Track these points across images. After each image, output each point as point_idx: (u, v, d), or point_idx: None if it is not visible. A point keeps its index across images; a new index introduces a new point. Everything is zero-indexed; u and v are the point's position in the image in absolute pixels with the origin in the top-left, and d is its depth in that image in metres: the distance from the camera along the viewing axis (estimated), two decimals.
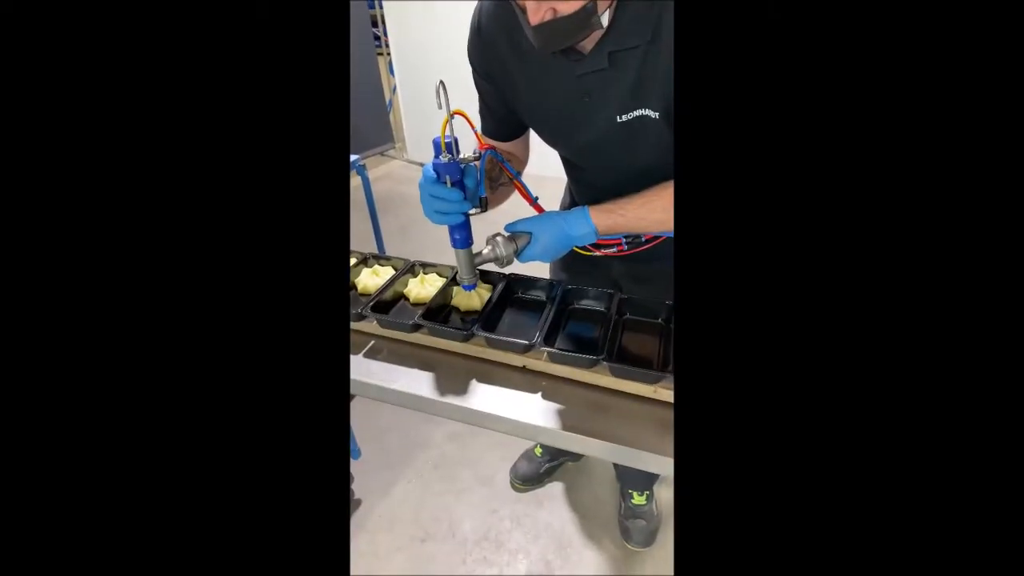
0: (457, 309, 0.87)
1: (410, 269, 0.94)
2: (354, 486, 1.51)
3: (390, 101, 3.65)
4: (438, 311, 0.85)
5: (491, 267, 0.81)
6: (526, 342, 0.74)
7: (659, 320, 0.82)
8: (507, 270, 0.84)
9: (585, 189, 0.94)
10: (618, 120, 0.74)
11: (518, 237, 0.77)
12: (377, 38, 3.63)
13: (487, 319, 0.81)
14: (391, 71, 3.62)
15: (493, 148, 0.76)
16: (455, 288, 0.87)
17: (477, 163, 0.73)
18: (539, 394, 0.72)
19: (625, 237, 0.85)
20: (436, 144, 0.69)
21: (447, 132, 0.68)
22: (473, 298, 0.85)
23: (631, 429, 0.66)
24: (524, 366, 0.76)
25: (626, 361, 0.73)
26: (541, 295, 0.89)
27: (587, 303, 0.87)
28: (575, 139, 0.82)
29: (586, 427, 0.67)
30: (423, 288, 0.89)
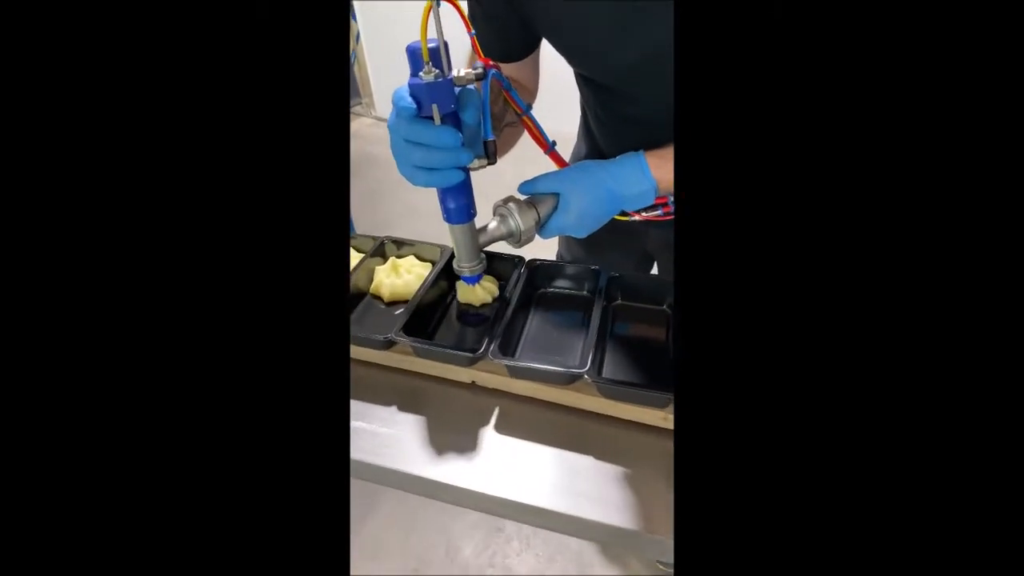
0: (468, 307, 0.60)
1: (379, 251, 0.66)
2: None
3: (353, 51, 3.27)
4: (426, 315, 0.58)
5: (499, 246, 0.55)
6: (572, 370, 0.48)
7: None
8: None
9: (624, 129, 0.67)
10: None
11: (539, 202, 0.52)
12: None
13: (504, 335, 0.54)
14: (353, 17, 3.24)
15: (497, 68, 0.49)
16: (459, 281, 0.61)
17: (479, 85, 0.46)
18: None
19: (671, 195, 0.59)
20: (412, 52, 0.41)
21: (431, 30, 0.40)
22: (476, 290, 0.58)
23: None
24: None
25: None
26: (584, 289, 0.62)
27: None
28: (622, 54, 0.55)
29: None
30: (398, 278, 0.62)
